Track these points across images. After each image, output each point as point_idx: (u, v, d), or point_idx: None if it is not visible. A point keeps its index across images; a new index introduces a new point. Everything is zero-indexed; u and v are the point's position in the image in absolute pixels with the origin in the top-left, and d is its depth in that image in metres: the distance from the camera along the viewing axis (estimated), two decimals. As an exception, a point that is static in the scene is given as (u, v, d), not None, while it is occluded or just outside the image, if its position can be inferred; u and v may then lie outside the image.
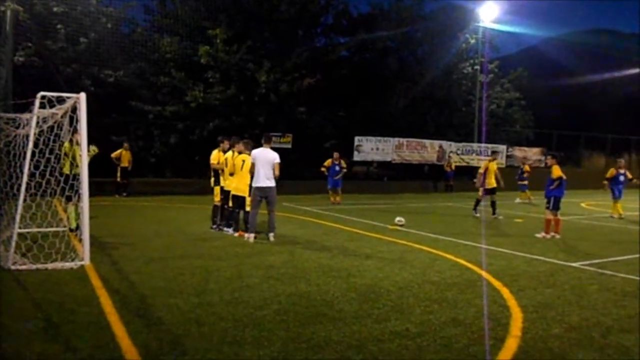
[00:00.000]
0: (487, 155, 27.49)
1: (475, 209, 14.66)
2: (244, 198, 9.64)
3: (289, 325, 4.71)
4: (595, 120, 53.82)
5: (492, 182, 14.13)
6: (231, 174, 9.81)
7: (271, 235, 9.34)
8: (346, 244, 9.32)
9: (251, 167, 9.33)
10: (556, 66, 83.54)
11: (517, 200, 20.08)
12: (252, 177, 9.43)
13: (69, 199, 8.27)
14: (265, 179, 9.24)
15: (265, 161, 9.25)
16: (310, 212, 14.52)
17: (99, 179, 15.68)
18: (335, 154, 17.80)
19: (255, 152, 9.41)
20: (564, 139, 33.28)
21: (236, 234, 9.67)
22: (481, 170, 14.46)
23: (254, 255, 7.99)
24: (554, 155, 11.91)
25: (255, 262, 7.46)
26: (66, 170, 8.50)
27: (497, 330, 4.78)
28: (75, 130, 7.41)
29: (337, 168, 17.52)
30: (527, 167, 21.05)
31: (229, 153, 10.11)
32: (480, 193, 14.44)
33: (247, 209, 9.63)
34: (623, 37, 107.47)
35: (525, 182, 20.23)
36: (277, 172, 9.31)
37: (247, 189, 9.60)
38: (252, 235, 9.24)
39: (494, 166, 14.33)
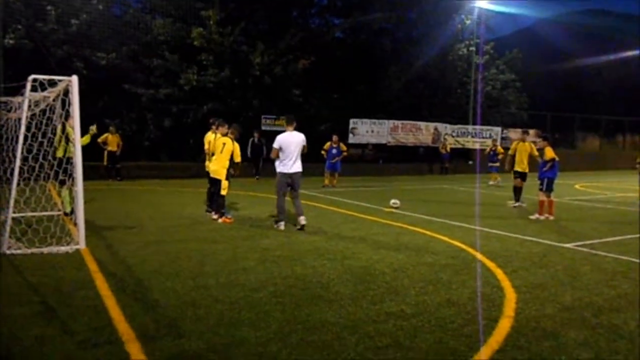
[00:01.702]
0: (483, 137, 27.69)
1: (518, 199, 12.75)
2: (220, 181, 9.41)
3: (285, 307, 4.75)
4: (589, 102, 53.76)
5: (524, 166, 12.48)
6: (212, 154, 9.66)
7: (302, 218, 8.78)
8: (341, 226, 9.35)
9: (274, 152, 8.82)
10: (551, 48, 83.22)
11: (490, 182, 19.50)
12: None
13: (62, 182, 8.21)
14: (294, 165, 8.76)
15: (296, 145, 8.76)
16: (305, 194, 14.46)
17: (93, 162, 15.59)
18: (334, 137, 17.54)
19: (282, 137, 8.81)
20: (558, 121, 33.34)
21: (220, 220, 9.39)
22: (511, 152, 12.87)
23: (250, 238, 8.01)
24: (545, 136, 11.61)
25: (251, 245, 7.48)
26: (59, 154, 8.46)
27: (490, 310, 4.83)
28: (68, 114, 7.34)
29: (335, 151, 17.33)
30: (499, 149, 20.25)
31: (211, 135, 9.97)
32: (518, 183, 12.67)
33: (223, 192, 9.39)
34: (618, 18, 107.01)
35: (497, 164, 19.34)
36: (305, 150, 9.05)
37: (224, 172, 9.42)
38: (283, 223, 8.78)
39: (526, 147, 12.38)
